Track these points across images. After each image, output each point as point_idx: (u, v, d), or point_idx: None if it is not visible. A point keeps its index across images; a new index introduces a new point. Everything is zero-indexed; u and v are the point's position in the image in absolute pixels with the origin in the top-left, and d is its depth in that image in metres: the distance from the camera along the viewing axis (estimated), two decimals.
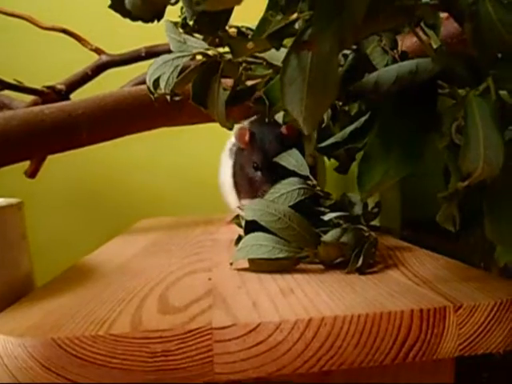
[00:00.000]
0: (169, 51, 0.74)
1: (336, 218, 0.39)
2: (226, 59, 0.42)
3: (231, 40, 0.25)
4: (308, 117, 0.24)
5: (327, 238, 0.35)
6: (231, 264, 0.38)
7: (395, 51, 0.42)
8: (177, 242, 0.52)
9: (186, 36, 0.43)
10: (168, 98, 0.43)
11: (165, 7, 0.35)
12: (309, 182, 0.42)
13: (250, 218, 0.36)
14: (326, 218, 0.38)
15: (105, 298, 0.31)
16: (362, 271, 0.35)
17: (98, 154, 0.87)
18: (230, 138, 0.64)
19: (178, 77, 0.41)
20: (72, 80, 0.75)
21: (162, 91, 0.42)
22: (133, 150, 0.92)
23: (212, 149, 0.92)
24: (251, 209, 0.36)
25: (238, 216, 0.41)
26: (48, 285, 0.35)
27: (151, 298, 0.30)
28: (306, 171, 0.43)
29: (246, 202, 0.56)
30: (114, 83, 0.71)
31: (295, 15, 0.30)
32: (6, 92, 0.75)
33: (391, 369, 0.32)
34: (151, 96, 0.45)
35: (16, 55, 0.92)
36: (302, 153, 0.47)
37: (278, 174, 0.49)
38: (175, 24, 0.43)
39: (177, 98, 0.44)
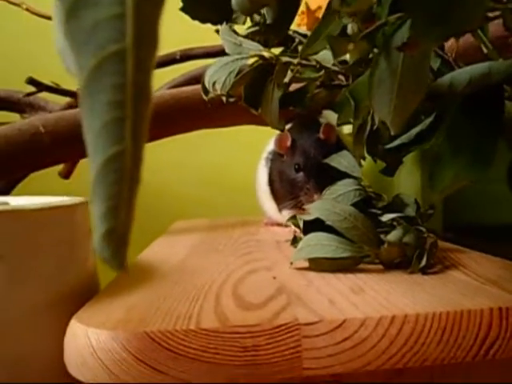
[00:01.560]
0: (203, 54, 0.75)
1: (393, 219, 0.39)
2: (282, 61, 0.43)
3: (333, 40, 0.26)
4: (396, 117, 0.25)
5: (391, 237, 0.36)
6: (291, 263, 0.38)
7: (449, 55, 0.43)
8: (222, 242, 0.53)
9: (241, 38, 0.44)
10: (224, 99, 0.43)
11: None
12: (362, 183, 0.43)
13: (315, 217, 0.36)
14: (384, 218, 0.39)
15: (177, 295, 0.31)
16: (424, 271, 0.35)
17: None
18: (266, 148, 0.64)
19: (234, 78, 0.42)
20: None
21: (218, 92, 0.43)
22: (160, 151, 0.93)
23: (241, 151, 0.93)
24: (317, 208, 0.36)
25: (294, 216, 0.42)
26: (114, 283, 0.36)
27: (225, 295, 0.31)
28: (358, 173, 0.44)
29: (285, 212, 0.56)
30: None
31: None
32: (41, 94, 0.76)
33: (463, 369, 0.32)
34: (204, 97, 0.46)
35: (52, 57, 0.93)
36: None
37: (321, 175, 0.50)
38: (230, 27, 0.44)
39: (231, 100, 0.44)
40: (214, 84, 0.41)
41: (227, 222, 0.73)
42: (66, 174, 0.77)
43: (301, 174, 0.53)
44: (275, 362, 0.25)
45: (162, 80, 0.75)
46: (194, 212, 0.91)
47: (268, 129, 0.61)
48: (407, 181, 0.58)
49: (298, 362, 0.25)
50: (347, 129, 0.59)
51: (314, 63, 0.45)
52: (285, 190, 0.55)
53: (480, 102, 0.31)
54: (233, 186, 0.90)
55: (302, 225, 0.39)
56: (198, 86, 0.59)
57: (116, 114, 0.11)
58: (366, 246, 0.36)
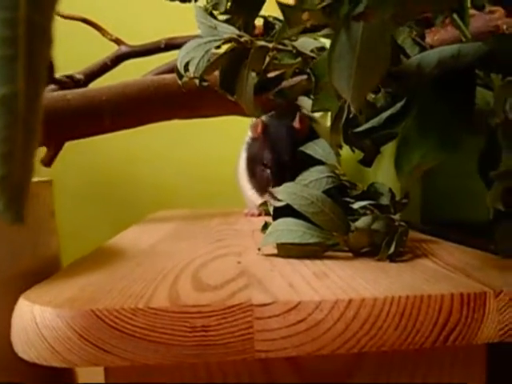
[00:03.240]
0: None
1: (365, 206, 0.38)
2: (257, 45, 0.42)
3: (287, 8, 0.25)
4: (356, 93, 0.24)
5: (359, 224, 0.35)
6: (259, 249, 0.37)
7: (428, 44, 0.42)
8: (198, 230, 0.52)
9: (217, 22, 0.43)
10: (197, 82, 0.43)
11: None
12: (336, 171, 0.42)
13: (282, 202, 0.35)
14: (356, 206, 0.38)
15: (137, 276, 0.31)
16: (393, 259, 0.34)
17: (110, 145, 0.87)
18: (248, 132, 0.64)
19: (207, 61, 0.41)
20: (91, 70, 0.75)
21: (191, 75, 0.42)
22: (145, 142, 0.92)
23: (224, 143, 0.92)
24: (285, 192, 0.36)
25: (265, 202, 0.41)
26: (76, 263, 0.35)
27: (184, 277, 0.30)
28: (333, 160, 0.43)
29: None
30: (131, 74, 0.70)
31: None
32: None
33: (423, 357, 0.31)
34: (179, 81, 0.45)
35: None
36: None
37: (287, 174, 0.50)
38: (206, 10, 0.43)
39: (205, 84, 0.43)
40: (186, 65, 0.41)
41: (208, 212, 0.72)
42: (48, 162, 0.76)
43: (268, 171, 0.54)
44: (226, 343, 0.24)
45: (146, 68, 0.74)
46: (178, 203, 0.90)
47: (251, 119, 0.61)
48: (387, 172, 0.57)
49: (250, 343, 0.25)
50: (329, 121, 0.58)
51: (290, 49, 0.44)
52: (255, 182, 0.56)
53: (451, 85, 0.31)
54: (218, 176, 0.90)
55: (271, 210, 0.38)
56: None
57: (6, 52, 0.10)
58: (335, 233, 0.35)
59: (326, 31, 0.45)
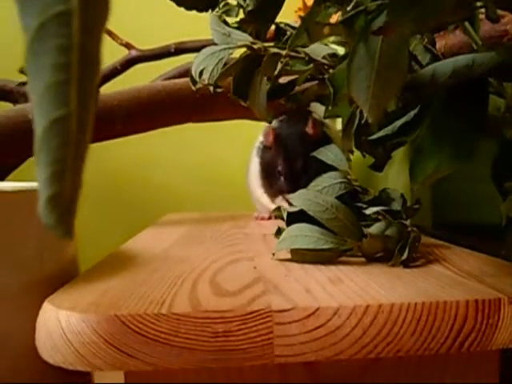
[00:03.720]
0: (198, 47, 0.75)
1: (377, 212, 0.39)
2: (270, 53, 0.42)
3: (309, 23, 0.25)
4: (374, 105, 0.25)
5: (373, 230, 0.35)
6: (273, 254, 0.38)
7: (440, 51, 0.42)
8: (209, 234, 0.53)
9: (230, 29, 0.44)
10: (211, 89, 0.43)
11: None
12: (348, 177, 0.43)
13: (296, 208, 0.36)
14: (368, 211, 0.38)
15: (155, 281, 0.31)
16: (406, 264, 0.35)
17: (121, 150, 0.88)
18: (259, 137, 0.65)
19: (221, 69, 0.42)
20: (101, 74, 0.75)
21: (205, 82, 0.43)
22: (155, 146, 0.93)
23: (234, 146, 0.93)
24: (299, 198, 0.36)
25: (279, 208, 0.42)
26: (94, 268, 0.36)
27: (202, 283, 0.31)
28: (345, 166, 0.43)
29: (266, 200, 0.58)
30: (141, 78, 0.71)
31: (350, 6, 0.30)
32: None
33: (437, 362, 0.32)
34: (193, 86, 0.45)
35: None
36: None
37: (301, 180, 0.51)
38: (220, 17, 0.44)
39: (219, 90, 0.44)
40: (200, 73, 0.41)
41: (218, 215, 0.72)
42: None
43: (282, 179, 0.55)
44: (246, 349, 0.25)
45: (156, 72, 0.75)
46: (187, 206, 0.91)
47: (260, 123, 0.62)
48: (397, 177, 0.58)
49: (270, 348, 0.25)
50: (340, 124, 0.59)
51: (303, 55, 0.44)
52: (269, 188, 0.57)
53: (464, 94, 0.31)
54: (226, 180, 0.90)
55: (285, 216, 0.39)
56: None
57: (60, 77, 0.11)
58: (348, 239, 0.36)
59: (337, 38, 0.46)
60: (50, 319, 0.26)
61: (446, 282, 0.31)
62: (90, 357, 0.24)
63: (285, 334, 0.25)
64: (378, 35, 0.22)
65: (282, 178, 0.54)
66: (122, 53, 0.76)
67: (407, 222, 0.38)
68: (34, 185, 0.36)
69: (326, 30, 0.24)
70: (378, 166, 0.49)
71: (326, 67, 0.46)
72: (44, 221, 0.12)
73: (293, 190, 0.51)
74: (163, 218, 0.73)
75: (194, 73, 0.41)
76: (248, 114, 0.58)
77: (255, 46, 0.42)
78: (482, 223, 0.50)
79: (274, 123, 0.60)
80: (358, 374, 0.31)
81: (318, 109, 0.54)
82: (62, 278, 0.34)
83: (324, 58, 0.45)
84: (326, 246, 0.35)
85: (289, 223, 0.38)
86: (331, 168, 0.43)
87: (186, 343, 0.25)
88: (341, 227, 0.35)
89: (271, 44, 0.44)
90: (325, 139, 0.53)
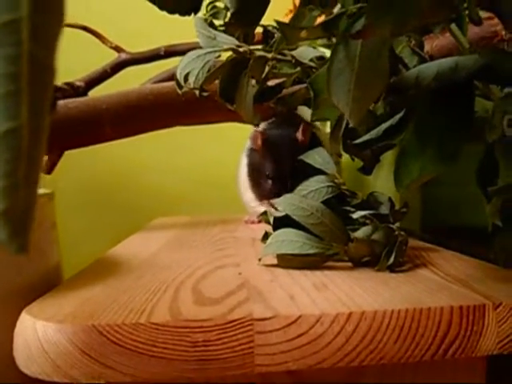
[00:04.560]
0: (188, 50, 0.74)
1: (364, 216, 0.38)
2: (256, 56, 0.42)
3: (285, 27, 0.25)
4: (355, 108, 0.24)
5: (359, 234, 0.35)
6: (259, 259, 0.38)
7: (427, 54, 0.42)
8: (198, 238, 0.52)
9: (216, 32, 0.44)
10: (196, 93, 0.43)
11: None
12: (336, 181, 0.42)
13: (282, 212, 0.36)
14: (355, 215, 0.38)
15: (138, 289, 0.31)
16: (392, 269, 0.35)
17: (112, 153, 0.87)
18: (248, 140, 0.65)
19: (207, 72, 0.41)
20: (91, 77, 0.75)
21: (191, 86, 0.42)
22: (146, 149, 0.92)
23: (225, 149, 0.93)
24: (284, 203, 0.36)
25: (265, 212, 0.41)
26: (78, 276, 0.35)
27: (184, 290, 0.30)
28: (332, 170, 0.43)
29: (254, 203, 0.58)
30: (131, 81, 0.71)
31: (336, 9, 0.30)
32: None
33: (422, 368, 0.31)
34: (178, 90, 0.45)
35: None
36: None
37: (288, 184, 0.51)
38: (205, 20, 0.44)
39: (205, 94, 0.44)
40: (186, 76, 0.41)
41: (208, 219, 0.72)
42: (49, 169, 0.76)
43: (269, 182, 0.54)
44: (226, 358, 0.24)
45: (146, 76, 0.74)
46: (180, 209, 0.91)
47: (251, 126, 0.61)
48: (386, 180, 0.58)
49: (250, 358, 0.25)
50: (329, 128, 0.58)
51: (289, 58, 0.44)
52: (257, 190, 0.56)
53: (449, 97, 0.31)
54: (218, 182, 0.90)
55: (271, 220, 0.38)
56: None
57: (10, 87, 0.10)
58: (335, 243, 0.35)
59: (324, 41, 0.45)
60: (27, 329, 0.25)
61: (432, 286, 0.30)
62: (67, 368, 0.24)
63: (266, 342, 0.25)
64: (356, 39, 0.22)
65: (270, 182, 0.54)
66: (112, 56, 0.76)
67: (394, 226, 0.37)
68: None
69: (303, 33, 0.24)
70: (367, 170, 0.49)
71: (313, 70, 0.46)
72: None
73: (281, 194, 0.51)
74: (152, 222, 0.73)
75: (180, 76, 0.41)
76: (237, 117, 0.58)
77: (241, 49, 0.42)
78: (471, 226, 0.50)
79: (262, 126, 0.59)
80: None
81: (305, 112, 0.54)
82: (44, 286, 0.33)
83: (311, 60, 0.45)
84: (311, 251, 0.35)
85: (275, 228, 0.38)
86: (320, 172, 0.43)
87: (165, 353, 0.24)
88: (326, 232, 0.35)
89: (257, 47, 0.44)
90: (314, 143, 0.53)
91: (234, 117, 0.61)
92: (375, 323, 0.26)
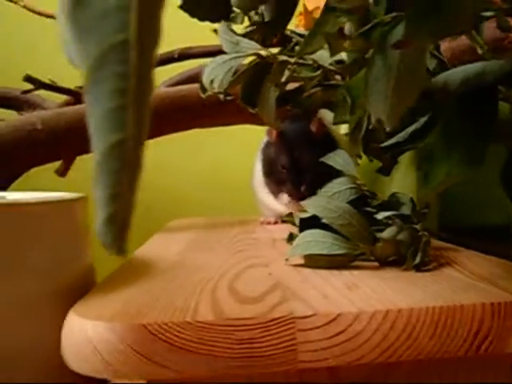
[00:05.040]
0: (202, 54, 0.75)
1: (388, 217, 0.39)
2: (279, 60, 0.43)
3: (330, 37, 0.26)
4: (391, 114, 0.25)
5: (385, 235, 0.36)
6: (287, 259, 0.39)
7: (444, 55, 0.43)
8: (218, 240, 0.53)
9: (239, 37, 0.45)
10: (221, 97, 0.44)
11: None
12: (357, 182, 0.43)
13: (311, 214, 0.37)
14: (380, 216, 0.39)
15: (175, 289, 0.32)
16: (418, 268, 0.35)
17: None
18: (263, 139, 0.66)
19: (232, 77, 0.42)
20: None
21: (216, 90, 0.43)
22: (161, 152, 0.93)
23: (239, 152, 0.94)
24: (312, 205, 0.37)
25: (290, 214, 0.42)
26: (111, 278, 0.36)
27: (221, 290, 0.31)
28: (353, 171, 0.44)
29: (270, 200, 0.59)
30: None
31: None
32: (38, 92, 0.76)
33: (450, 366, 0.32)
34: (202, 94, 0.46)
35: (50, 55, 0.94)
36: (330, 150, 0.49)
37: (304, 175, 0.52)
38: (228, 26, 0.45)
39: (229, 98, 0.45)
40: (211, 82, 0.42)
41: (224, 220, 0.73)
42: (63, 172, 0.77)
43: (284, 172, 0.55)
44: (270, 355, 0.25)
45: (160, 78, 0.75)
46: (194, 211, 0.91)
47: (265, 128, 0.62)
48: (402, 181, 0.59)
49: (293, 354, 0.26)
50: (344, 129, 0.60)
51: (310, 62, 0.45)
52: (272, 184, 0.58)
53: (474, 101, 0.32)
54: (232, 185, 0.91)
55: (297, 222, 0.39)
56: (195, 85, 0.60)
57: (119, 102, 0.11)
58: (361, 244, 0.36)
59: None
60: (77, 329, 0.26)
61: (459, 285, 0.31)
62: (118, 365, 0.25)
63: (307, 339, 0.26)
64: (396, 49, 0.23)
65: (285, 172, 0.55)
66: None
67: (418, 226, 0.38)
68: (49, 196, 0.37)
69: (347, 43, 0.25)
70: (386, 171, 0.50)
71: (332, 73, 0.47)
72: (101, 239, 0.12)
73: (296, 184, 0.53)
74: (169, 223, 0.74)
75: (206, 81, 0.42)
76: (253, 119, 0.59)
77: (264, 54, 0.43)
78: (490, 225, 0.51)
79: None
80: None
81: (327, 115, 0.55)
82: (80, 286, 0.34)
83: (331, 64, 0.46)
84: (339, 252, 0.36)
85: (302, 229, 0.39)
86: (338, 172, 0.44)
87: (212, 350, 0.25)
88: (354, 232, 0.36)
89: (278, 51, 0.45)
90: (328, 138, 0.55)
91: (250, 119, 0.62)
92: (411, 320, 0.27)
